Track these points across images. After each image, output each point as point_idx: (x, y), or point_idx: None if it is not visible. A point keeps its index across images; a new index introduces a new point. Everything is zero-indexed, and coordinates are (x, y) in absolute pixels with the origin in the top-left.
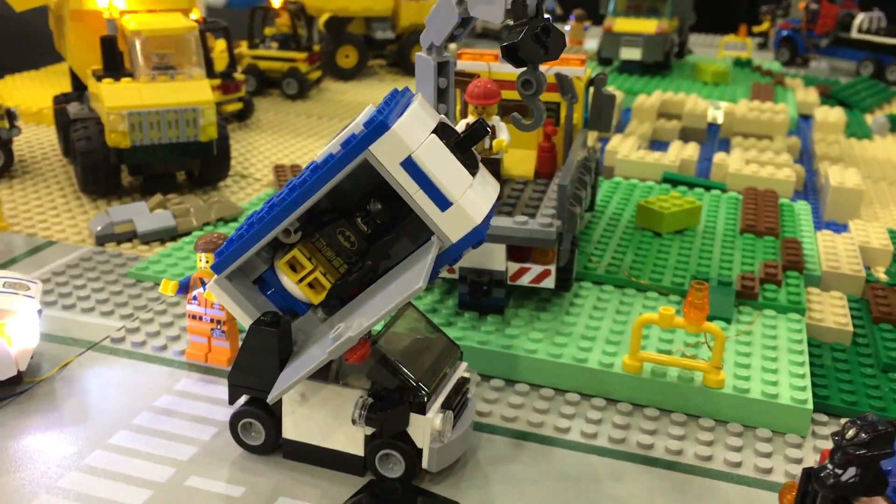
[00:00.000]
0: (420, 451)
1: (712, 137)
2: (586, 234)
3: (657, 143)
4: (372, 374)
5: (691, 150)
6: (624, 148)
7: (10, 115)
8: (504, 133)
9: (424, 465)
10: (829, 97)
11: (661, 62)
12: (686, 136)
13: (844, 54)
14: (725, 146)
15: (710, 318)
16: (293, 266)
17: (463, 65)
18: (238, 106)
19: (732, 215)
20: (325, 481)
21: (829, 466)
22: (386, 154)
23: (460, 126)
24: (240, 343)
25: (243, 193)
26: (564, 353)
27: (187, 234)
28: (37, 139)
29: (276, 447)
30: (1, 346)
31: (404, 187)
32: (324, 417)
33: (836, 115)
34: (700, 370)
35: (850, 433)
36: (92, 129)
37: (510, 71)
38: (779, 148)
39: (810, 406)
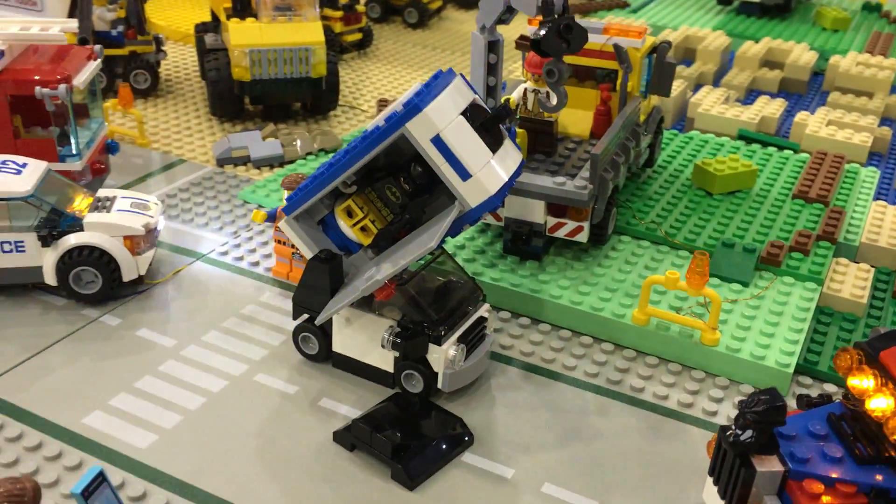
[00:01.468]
0: (436, 375)
1: (815, 91)
2: (642, 190)
3: (756, 93)
4: (402, 309)
5: (776, 106)
6: (708, 101)
7: (157, 41)
8: (556, 97)
9: (439, 385)
10: None
11: (782, 4)
12: (787, 87)
13: None
14: (823, 101)
15: (729, 281)
16: (349, 212)
17: (531, 30)
18: (358, 36)
19: (792, 179)
20: (362, 389)
21: (733, 427)
22: (419, 131)
23: (518, 90)
24: None
25: (348, 124)
26: (585, 301)
27: (292, 161)
28: (182, 60)
29: (327, 357)
30: (126, 255)
31: (433, 159)
32: (363, 339)
33: None
34: (698, 328)
35: (753, 402)
36: (221, 61)
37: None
38: (875, 107)
39: (791, 370)
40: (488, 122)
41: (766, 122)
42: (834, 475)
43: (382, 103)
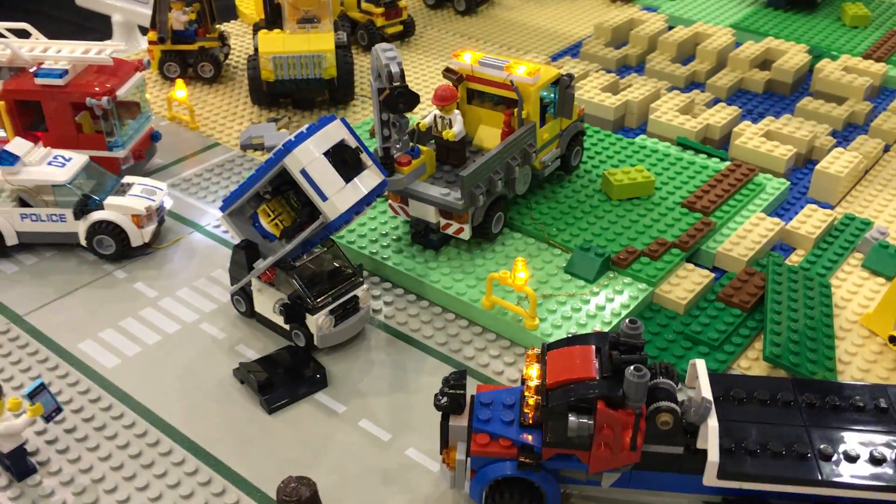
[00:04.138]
0: (312, 335)
1: (800, 93)
2: (554, 192)
3: (742, 93)
4: (286, 288)
5: (726, 114)
6: (667, 106)
7: (222, 37)
8: (458, 125)
9: (315, 343)
10: None
11: (805, 0)
12: (773, 88)
13: None
14: (790, 107)
15: (579, 278)
16: (266, 212)
17: (454, 63)
18: (399, 28)
19: (695, 188)
20: (270, 340)
21: (439, 393)
22: (291, 165)
23: (430, 116)
24: None
25: (362, 113)
26: (455, 286)
27: None
28: (245, 51)
29: (253, 315)
30: (133, 228)
31: (302, 185)
32: (269, 304)
33: None
34: (523, 315)
35: (450, 378)
36: (256, 62)
37: (493, 73)
38: (838, 114)
39: None
40: (341, 160)
41: (710, 130)
42: (498, 432)
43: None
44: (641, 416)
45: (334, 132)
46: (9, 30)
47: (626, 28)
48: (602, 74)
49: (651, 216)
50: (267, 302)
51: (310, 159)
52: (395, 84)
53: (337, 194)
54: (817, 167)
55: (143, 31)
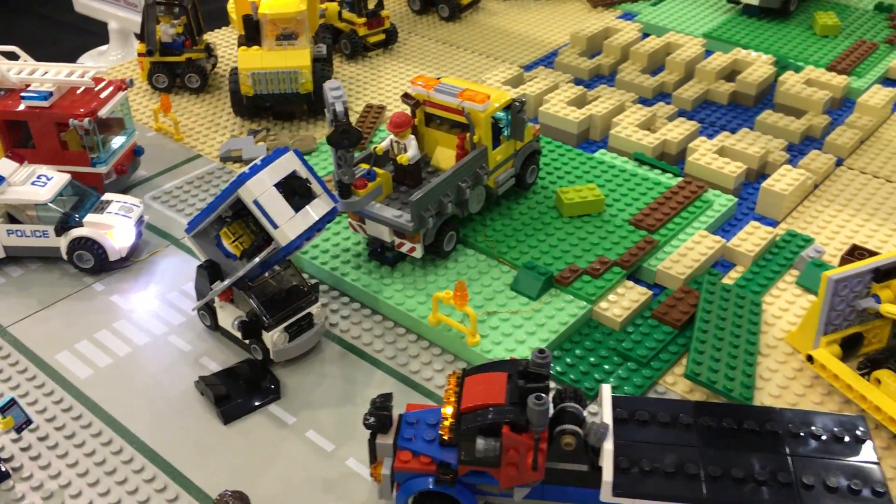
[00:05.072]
0: (269, 349)
1: (763, 105)
2: (510, 209)
3: (707, 104)
4: (245, 306)
5: (684, 129)
6: (628, 121)
7: (209, 49)
8: (412, 150)
9: (271, 357)
10: None
11: (778, 9)
12: (737, 99)
13: None
14: (752, 120)
15: (523, 295)
16: (227, 234)
17: (412, 88)
18: (381, 37)
19: (645, 205)
20: (232, 352)
21: (367, 414)
22: (245, 196)
23: (386, 142)
24: None
25: None
26: (406, 302)
27: None
28: (234, 59)
29: (217, 328)
30: (109, 243)
31: (255, 214)
32: (230, 319)
33: (883, 95)
34: (465, 333)
35: (378, 401)
36: (238, 77)
37: (447, 99)
38: (796, 128)
39: None
40: (291, 191)
41: (667, 146)
42: (420, 450)
43: (368, 110)
44: (540, 440)
45: (287, 164)
46: None
47: (602, 37)
48: (570, 87)
49: (598, 234)
50: (228, 318)
51: (262, 190)
52: (338, 122)
53: (287, 223)
54: (763, 185)
55: (139, 37)
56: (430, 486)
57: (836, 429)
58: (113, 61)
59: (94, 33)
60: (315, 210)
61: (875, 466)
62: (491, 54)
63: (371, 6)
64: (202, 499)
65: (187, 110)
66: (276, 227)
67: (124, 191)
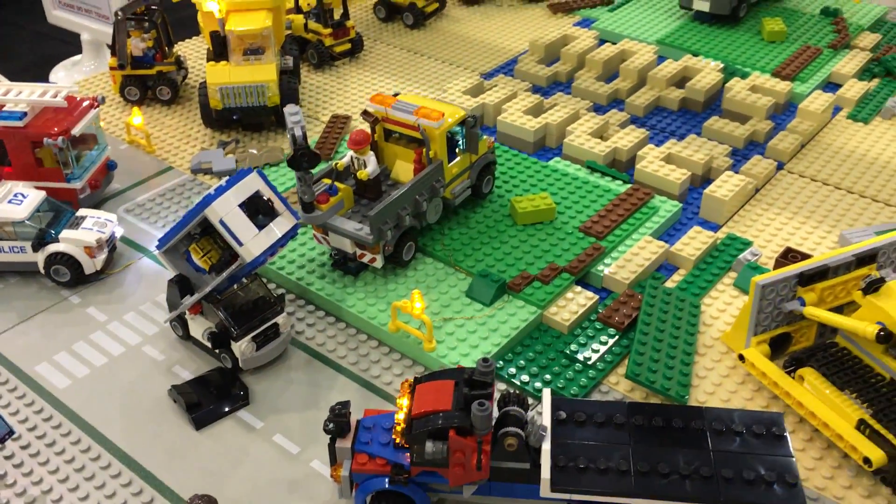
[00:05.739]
0: (237, 358)
1: (710, 111)
2: (467, 218)
3: (658, 110)
4: (214, 317)
5: (635, 136)
6: (582, 129)
7: (179, 62)
8: (371, 166)
9: (240, 365)
10: (878, 62)
11: (728, 15)
12: (687, 105)
13: None
14: (700, 125)
15: (477, 301)
16: (196, 250)
17: (370, 106)
18: (347, 46)
19: (595, 212)
20: (203, 361)
21: (327, 420)
22: (211, 216)
23: (347, 157)
24: None
25: (309, 133)
26: (368, 310)
27: None
28: (202, 75)
29: (189, 337)
30: (85, 258)
31: (221, 232)
32: (201, 330)
33: (822, 101)
34: (422, 339)
35: (335, 409)
36: (206, 91)
37: (404, 117)
38: (741, 133)
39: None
40: (254, 210)
41: (618, 153)
42: (375, 453)
43: (334, 120)
44: (483, 442)
45: (250, 184)
46: None
47: (560, 44)
48: (528, 96)
49: (550, 241)
50: (199, 329)
51: (227, 210)
52: (298, 146)
53: (252, 240)
54: (705, 191)
55: (111, 50)
56: (386, 486)
57: (755, 426)
58: (86, 72)
59: (67, 42)
60: (278, 227)
61: (790, 460)
62: (454, 62)
63: (336, 17)
64: (175, 500)
65: (159, 122)
66: (241, 244)
67: (98, 204)
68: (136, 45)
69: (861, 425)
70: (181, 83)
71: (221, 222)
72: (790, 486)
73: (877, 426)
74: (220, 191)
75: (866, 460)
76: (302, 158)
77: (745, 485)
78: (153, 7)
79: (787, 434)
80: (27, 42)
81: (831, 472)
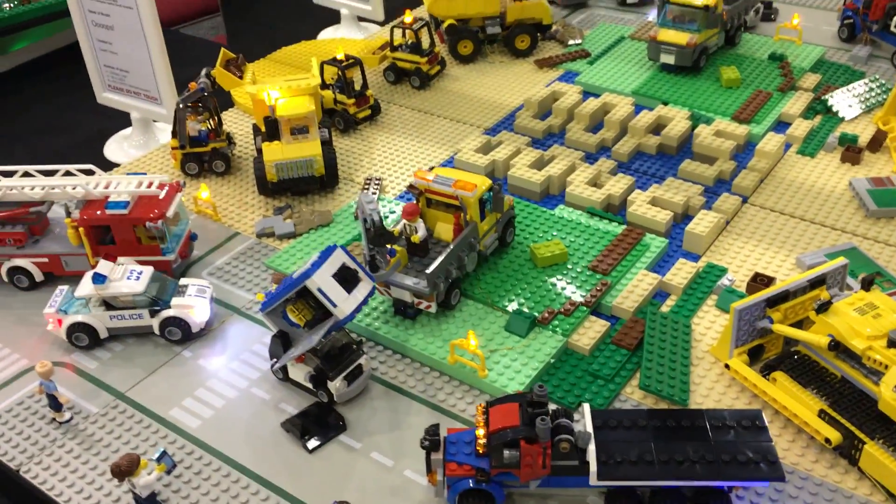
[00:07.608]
0: (333, 394)
1: (685, 152)
2: (496, 263)
3: (640, 156)
4: (311, 362)
5: (623, 183)
6: (579, 178)
7: (229, 138)
8: (421, 230)
9: (335, 399)
10: (819, 101)
11: (689, 66)
12: (663, 150)
13: (891, 40)
14: (676, 166)
15: (514, 334)
16: (292, 310)
17: (414, 181)
18: (367, 112)
19: (598, 252)
20: (302, 398)
21: (423, 439)
22: (311, 286)
23: (401, 224)
24: None
25: (346, 195)
26: (428, 347)
27: (302, 234)
28: (246, 139)
29: (288, 379)
30: (192, 319)
31: (318, 297)
32: (301, 374)
33: (775, 142)
34: (476, 369)
35: (429, 429)
36: (263, 166)
37: (444, 189)
38: (710, 174)
39: (509, 390)
40: (344, 278)
41: (612, 198)
42: (462, 461)
43: (368, 182)
44: (547, 447)
45: (337, 258)
46: (78, 170)
47: (551, 100)
48: (530, 150)
49: (566, 280)
50: (300, 373)
51: (323, 280)
52: (376, 227)
53: (343, 302)
54: (686, 228)
55: (172, 133)
56: (471, 485)
57: (743, 420)
58: (137, 145)
59: (112, 117)
60: (361, 291)
61: (770, 444)
62: (460, 119)
63: (357, 88)
64: None
65: (216, 191)
66: (335, 305)
67: (185, 270)
68: (193, 126)
69: (822, 414)
70: (232, 156)
71: (319, 290)
72: (772, 463)
73: (833, 414)
74: (316, 266)
75: (827, 440)
76: (380, 238)
77: (739, 465)
78: (206, 94)
79: (766, 425)
80: (75, 117)
81: (802, 451)
